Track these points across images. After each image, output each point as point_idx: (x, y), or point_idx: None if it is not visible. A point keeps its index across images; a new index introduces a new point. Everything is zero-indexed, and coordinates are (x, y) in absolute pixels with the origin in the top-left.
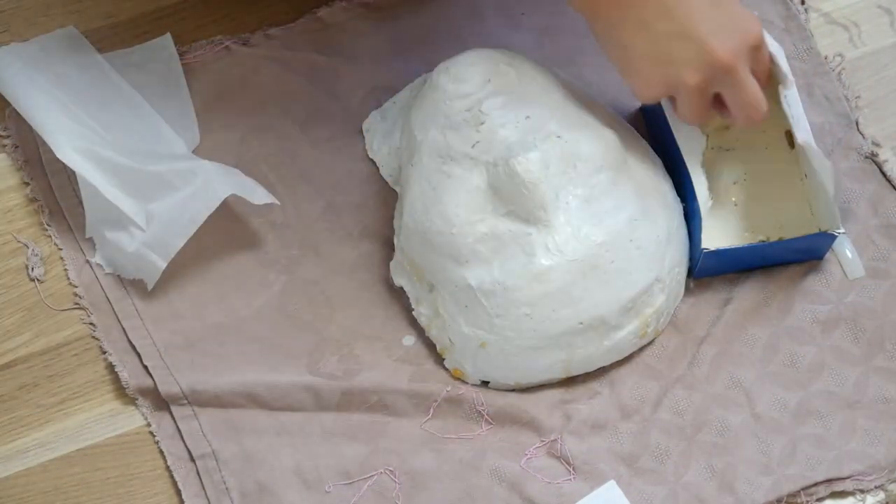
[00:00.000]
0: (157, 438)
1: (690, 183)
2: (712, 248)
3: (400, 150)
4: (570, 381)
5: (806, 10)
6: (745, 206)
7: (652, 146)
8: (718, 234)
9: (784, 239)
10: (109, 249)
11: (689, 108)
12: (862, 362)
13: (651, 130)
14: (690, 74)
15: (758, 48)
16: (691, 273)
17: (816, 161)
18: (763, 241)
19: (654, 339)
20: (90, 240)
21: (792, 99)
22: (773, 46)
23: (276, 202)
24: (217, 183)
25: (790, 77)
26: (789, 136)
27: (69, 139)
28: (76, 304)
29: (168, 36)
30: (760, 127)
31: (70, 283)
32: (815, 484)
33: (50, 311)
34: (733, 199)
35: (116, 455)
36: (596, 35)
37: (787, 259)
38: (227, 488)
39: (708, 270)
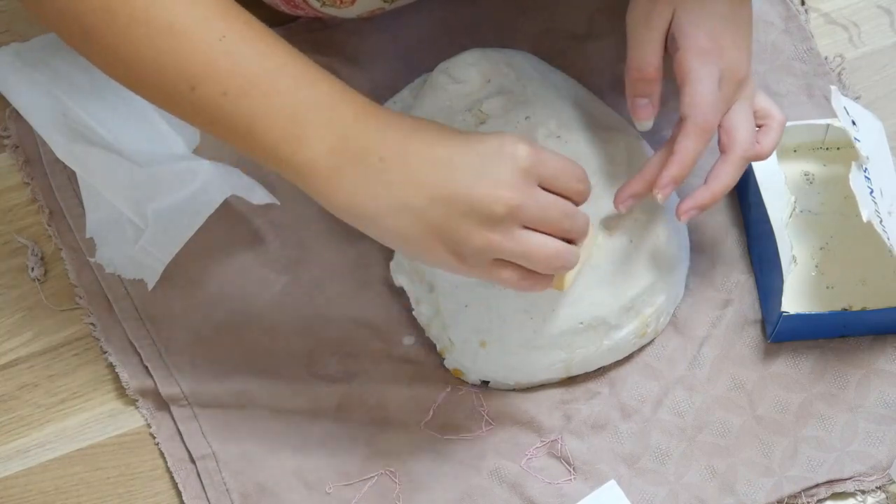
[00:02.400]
0: (157, 440)
1: (775, 245)
2: (792, 312)
3: None
4: (570, 381)
5: (806, 10)
6: (830, 272)
7: (740, 204)
8: (800, 299)
9: (867, 309)
10: (109, 249)
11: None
12: (864, 365)
13: (739, 189)
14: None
15: (533, 155)
16: (768, 336)
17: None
18: (845, 310)
19: (654, 339)
20: (90, 240)
21: (873, 171)
22: (865, 117)
23: (276, 202)
24: (217, 183)
25: (863, 154)
26: None
27: (69, 139)
28: (76, 304)
29: None
30: (850, 193)
31: (70, 283)
32: (817, 485)
33: (50, 311)
34: (817, 264)
35: (116, 455)
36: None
37: (868, 330)
38: (227, 489)
39: (786, 334)
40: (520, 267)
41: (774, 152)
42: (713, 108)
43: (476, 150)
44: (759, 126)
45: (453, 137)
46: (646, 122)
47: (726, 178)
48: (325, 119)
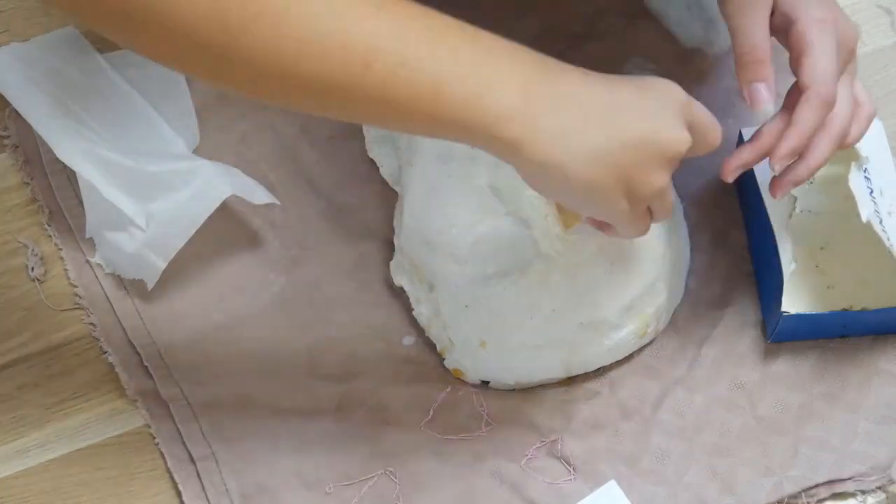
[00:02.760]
0: (157, 440)
1: (775, 244)
2: (792, 312)
3: (400, 150)
4: (570, 381)
5: None
6: (830, 272)
7: (740, 204)
8: (800, 299)
9: (867, 309)
10: (109, 249)
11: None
12: (864, 365)
13: (740, 188)
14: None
15: (690, 106)
16: (768, 336)
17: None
18: (845, 310)
19: (654, 338)
20: (90, 240)
21: (873, 171)
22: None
23: (276, 202)
24: (217, 183)
25: (862, 154)
26: None
27: (69, 139)
28: (76, 304)
29: None
30: (850, 192)
31: (70, 283)
32: (817, 485)
33: (50, 311)
34: (817, 264)
35: (116, 455)
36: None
37: (869, 330)
38: (227, 490)
39: (786, 334)
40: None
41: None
42: (834, 79)
43: (650, 95)
44: None
45: (625, 83)
46: (767, 108)
47: (824, 152)
48: (509, 65)
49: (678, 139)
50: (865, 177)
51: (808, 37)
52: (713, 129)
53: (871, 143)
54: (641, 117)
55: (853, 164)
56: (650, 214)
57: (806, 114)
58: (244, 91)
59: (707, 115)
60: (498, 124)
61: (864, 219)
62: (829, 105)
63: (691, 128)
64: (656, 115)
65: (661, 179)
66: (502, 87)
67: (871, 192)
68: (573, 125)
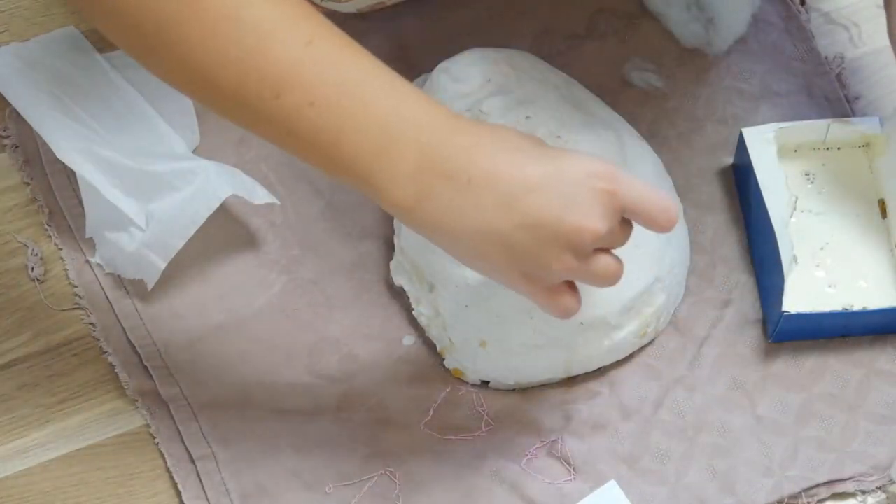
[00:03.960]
0: (156, 440)
1: (775, 244)
2: (793, 312)
3: None
4: (570, 381)
5: (806, 10)
6: (831, 272)
7: (740, 204)
8: (801, 299)
9: (867, 309)
10: (109, 249)
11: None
12: (864, 365)
13: (740, 188)
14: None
15: (617, 187)
16: (768, 336)
17: None
18: (845, 310)
19: (654, 338)
20: (90, 240)
21: (890, 167)
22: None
23: (276, 202)
24: (217, 183)
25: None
26: (882, 205)
27: (69, 139)
28: (76, 304)
29: None
30: (851, 193)
31: (70, 283)
32: (817, 485)
33: (50, 311)
34: (818, 264)
35: (116, 455)
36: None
37: (869, 330)
38: (227, 490)
39: (787, 334)
40: (577, 292)
41: (775, 152)
42: None
43: (564, 174)
44: None
45: (541, 158)
46: None
47: None
48: (415, 134)
49: (584, 227)
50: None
51: None
52: (659, 211)
53: None
54: (545, 201)
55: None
56: (572, 290)
57: None
58: (173, 84)
59: (647, 199)
60: (390, 188)
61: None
62: None
63: (628, 212)
64: (565, 202)
65: (562, 264)
66: (402, 154)
67: None
68: (466, 202)
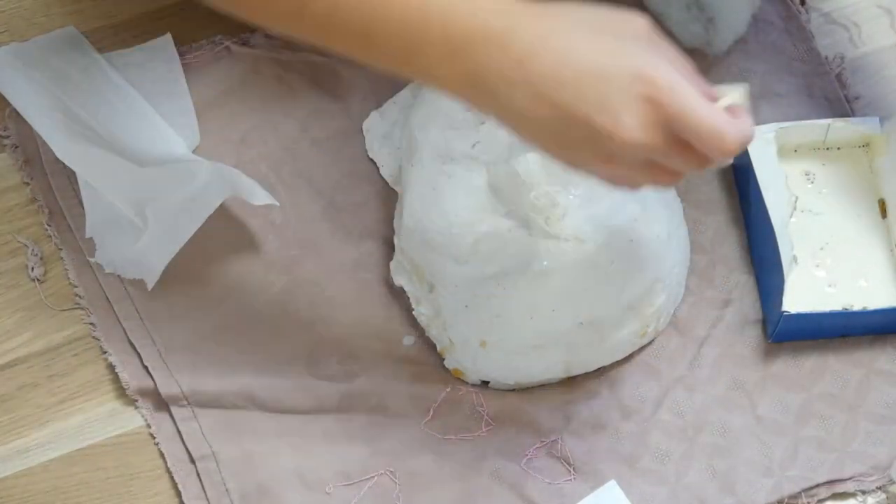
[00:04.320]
0: (156, 440)
1: (775, 244)
2: (793, 312)
3: (400, 150)
4: (570, 381)
5: (806, 10)
6: (830, 272)
7: (740, 204)
8: (800, 299)
9: (867, 309)
10: (109, 249)
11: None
12: (864, 365)
13: (740, 188)
14: (596, 166)
15: (661, 97)
16: (768, 336)
17: None
18: (845, 310)
19: (654, 338)
20: (90, 240)
21: (890, 167)
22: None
23: (276, 202)
24: (217, 183)
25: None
26: (882, 205)
27: (69, 139)
28: (76, 304)
29: (168, 36)
30: (851, 193)
31: (70, 283)
32: (817, 485)
33: (50, 311)
34: (817, 264)
35: (116, 455)
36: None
37: (869, 330)
38: (227, 490)
39: (787, 334)
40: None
41: (775, 152)
42: None
43: (606, 72)
44: None
45: (590, 51)
46: None
47: None
48: (441, 24)
49: (614, 132)
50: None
51: None
52: (709, 134)
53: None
54: (576, 98)
55: (875, 155)
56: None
57: None
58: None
59: (698, 116)
60: (433, 81)
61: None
62: None
63: (676, 129)
64: (597, 99)
65: (604, 169)
66: (431, 50)
67: None
68: (504, 92)
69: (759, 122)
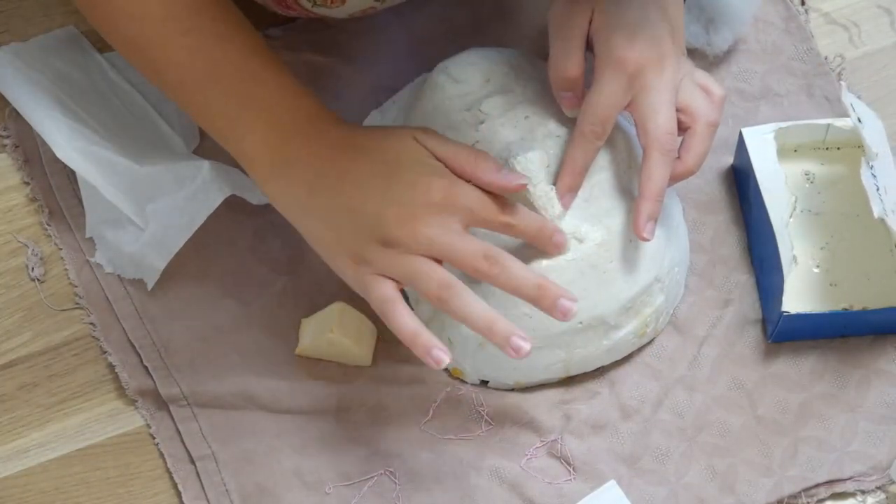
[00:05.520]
0: (156, 440)
1: (775, 244)
2: (792, 312)
3: None
4: (569, 381)
5: (806, 10)
6: (831, 272)
7: (740, 204)
8: (801, 299)
9: (867, 309)
10: (109, 249)
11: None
12: (864, 365)
13: (740, 188)
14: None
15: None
16: (768, 336)
17: None
18: (845, 310)
19: (654, 338)
20: (90, 240)
21: (878, 170)
22: (869, 117)
23: None
24: (217, 183)
25: (872, 149)
26: None
27: (69, 139)
28: (76, 304)
29: None
30: (851, 193)
31: (70, 283)
32: (817, 485)
33: (50, 311)
34: (818, 264)
35: (116, 455)
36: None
37: (869, 330)
38: (227, 490)
39: (786, 334)
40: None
41: (775, 152)
42: (606, 110)
43: (397, 180)
44: (683, 128)
45: (378, 166)
46: (572, 112)
47: (651, 175)
48: (265, 119)
49: (397, 224)
50: (872, 174)
51: (598, 73)
52: (492, 212)
53: (876, 142)
54: (370, 198)
55: (862, 159)
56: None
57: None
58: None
59: (480, 202)
60: (246, 162)
61: (875, 215)
62: (597, 134)
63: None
64: (388, 199)
65: (377, 254)
66: (253, 137)
67: (878, 189)
68: (304, 189)
69: (759, 122)
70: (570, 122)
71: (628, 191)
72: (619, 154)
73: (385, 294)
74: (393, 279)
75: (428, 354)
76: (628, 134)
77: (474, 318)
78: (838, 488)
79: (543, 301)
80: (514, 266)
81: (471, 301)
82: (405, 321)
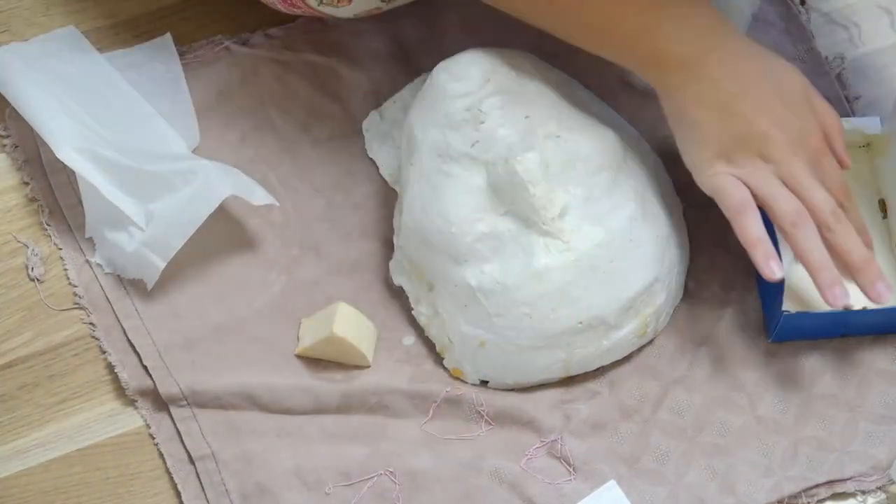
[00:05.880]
0: (156, 440)
1: (776, 244)
2: (792, 312)
3: (399, 149)
4: (569, 381)
5: (806, 10)
6: None
7: None
8: (800, 299)
9: (867, 309)
10: (109, 249)
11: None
12: (864, 365)
13: None
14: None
15: (820, 153)
16: (768, 336)
17: None
18: (846, 310)
19: (654, 338)
20: (90, 240)
21: (890, 167)
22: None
23: (276, 202)
24: (217, 183)
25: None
26: (882, 205)
27: (69, 139)
28: (76, 304)
29: (168, 36)
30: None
31: (70, 283)
32: (817, 485)
33: (50, 311)
34: None
35: (116, 455)
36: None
37: (870, 330)
38: (226, 490)
39: (787, 333)
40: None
41: None
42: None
43: (792, 112)
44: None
45: (775, 90)
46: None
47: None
48: (676, 20)
49: (767, 133)
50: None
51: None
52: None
53: None
54: (756, 107)
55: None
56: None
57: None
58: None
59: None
60: (652, 65)
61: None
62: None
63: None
64: (770, 111)
65: (746, 164)
66: (661, 37)
67: None
68: (707, 90)
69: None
70: (570, 123)
71: (628, 191)
72: (619, 154)
73: (743, 197)
74: (751, 190)
75: (766, 263)
76: (621, 132)
77: (814, 256)
78: (838, 488)
79: (865, 275)
80: (851, 234)
81: (818, 240)
82: (754, 228)
